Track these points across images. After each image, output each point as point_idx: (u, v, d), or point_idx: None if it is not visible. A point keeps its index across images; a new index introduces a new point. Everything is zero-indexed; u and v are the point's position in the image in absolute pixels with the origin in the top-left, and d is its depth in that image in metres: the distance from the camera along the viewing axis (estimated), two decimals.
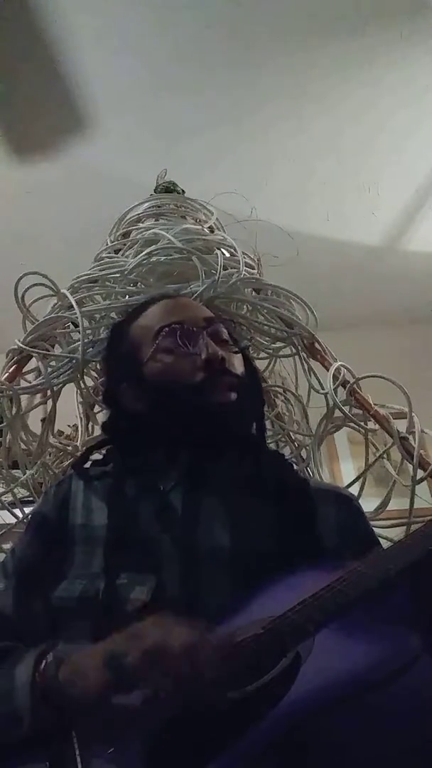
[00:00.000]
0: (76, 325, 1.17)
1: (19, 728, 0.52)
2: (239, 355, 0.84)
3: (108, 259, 1.33)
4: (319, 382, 1.22)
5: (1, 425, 1.18)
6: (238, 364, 0.82)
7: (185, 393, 0.76)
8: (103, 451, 0.89)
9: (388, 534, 1.09)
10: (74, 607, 0.66)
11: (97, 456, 0.89)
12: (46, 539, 0.76)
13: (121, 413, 0.85)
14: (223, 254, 1.25)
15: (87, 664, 0.52)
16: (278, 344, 1.28)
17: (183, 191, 1.60)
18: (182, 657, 0.48)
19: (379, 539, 1.07)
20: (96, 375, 1.38)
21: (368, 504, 1.13)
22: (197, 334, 0.80)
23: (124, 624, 0.54)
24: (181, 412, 0.76)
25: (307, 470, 1.27)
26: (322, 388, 1.20)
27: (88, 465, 0.86)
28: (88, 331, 1.17)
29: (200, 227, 1.39)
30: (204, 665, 0.48)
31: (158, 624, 0.52)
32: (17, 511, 1.18)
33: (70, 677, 0.52)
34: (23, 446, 1.22)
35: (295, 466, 1.28)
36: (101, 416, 1.47)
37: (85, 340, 1.13)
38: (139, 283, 1.24)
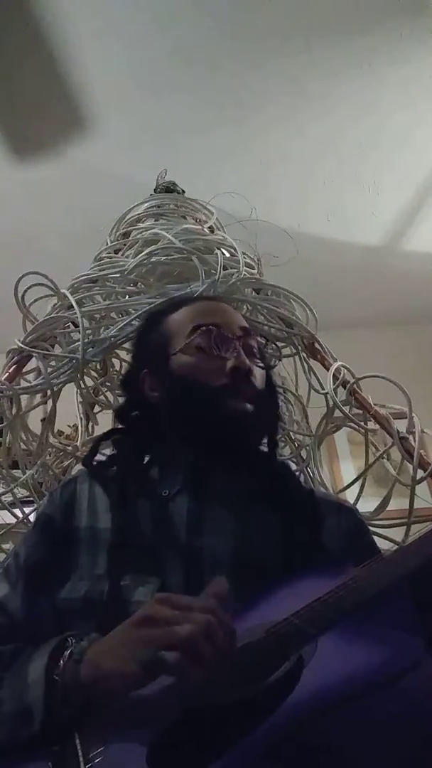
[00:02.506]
0: (76, 325, 1.17)
1: (30, 726, 0.52)
2: (262, 371, 0.85)
3: (108, 259, 1.33)
4: (319, 382, 1.22)
5: (1, 425, 1.18)
6: (260, 379, 0.82)
7: (206, 394, 0.77)
8: (107, 452, 0.89)
9: (388, 534, 1.09)
10: (79, 608, 0.66)
11: (100, 457, 0.89)
12: (51, 541, 0.76)
13: (137, 400, 0.87)
14: (223, 254, 1.25)
15: (111, 663, 0.52)
16: (278, 344, 1.28)
17: (183, 191, 1.60)
18: (212, 642, 0.49)
19: (379, 539, 1.08)
20: (96, 375, 1.38)
21: (368, 504, 1.14)
22: (231, 341, 0.81)
23: None
24: (198, 411, 0.77)
25: (307, 470, 1.27)
26: (322, 388, 1.20)
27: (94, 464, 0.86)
28: (88, 331, 1.17)
29: (200, 227, 1.39)
30: (229, 646, 0.50)
31: (166, 608, 0.52)
32: (17, 511, 1.18)
33: (93, 676, 0.52)
34: (23, 446, 1.22)
35: (294, 467, 1.29)
36: (101, 416, 1.47)
37: (85, 340, 1.13)
38: (139, 283, 1.24)
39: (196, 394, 0.78)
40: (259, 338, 0.91)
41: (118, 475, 0.80)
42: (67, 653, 0.55)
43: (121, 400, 0.96)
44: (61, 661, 0.55)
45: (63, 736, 0.50)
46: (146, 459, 0.83)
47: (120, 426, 0.91)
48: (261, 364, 0.84)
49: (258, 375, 0.82)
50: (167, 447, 0.82)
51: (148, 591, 0.65)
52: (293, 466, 1.30)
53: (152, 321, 0.92)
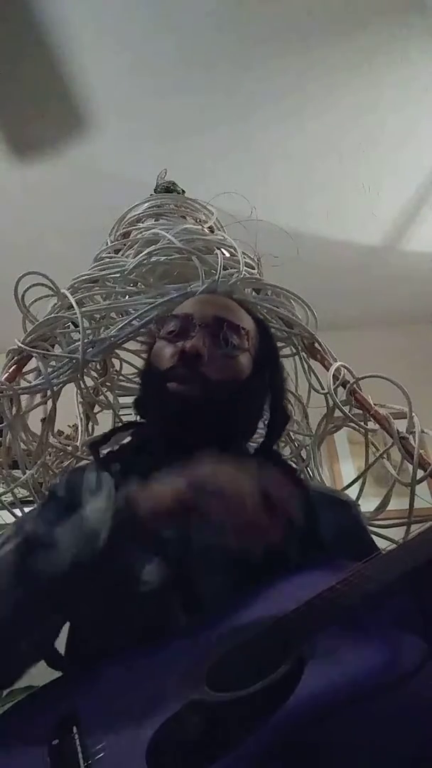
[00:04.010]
0: (76, 325, 1.17)
1: (95, 544, 0.58)
2: (238, 362, 0.81)
3: (108, 259, 1.33)
4: (319, 382, 1.22)
5: (1, 425, 1.18)
6: (227, 367, 0.80)
7: (154, 376, 0.81)
8: (115, 448, 0.90)
9: (388, 534, 1.09)
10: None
11: (114, 447, 0.89)
12: (63, 508, 0.77)
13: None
14: (223, 254, 1.25)
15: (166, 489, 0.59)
16: (278, 344, 1.28)
17: (183, 191, 1.60)
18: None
19: (379, 539, 1.08)
20: (96, 375, 1.38)
21: (368, 504, 1.13)
22: (193, 328, 0.81)
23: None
24: (149, 395, 0.83)
25: (307, 470, 1.27)
26: (322, 388, 1.20)
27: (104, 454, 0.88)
28: (88, 331, 1.17)
29: (200, 227, 1.39)
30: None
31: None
32: (17, 511, 1.18)
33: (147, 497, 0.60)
34: (23, 446, 1.22)
35: (295, 466, 1.28)
36: (101, 416, 1.47)
37: (85, 340, 1.13)
38: (139, 283, 1.24)
39: (149, 378, 0.84)
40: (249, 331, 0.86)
41: (123, 463, 0.82)
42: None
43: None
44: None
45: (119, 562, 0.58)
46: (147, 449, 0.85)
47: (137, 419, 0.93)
48: (230, 353, 0.81)
49: (224, 363, 0.79)
50: (159, 435, 0.83)
51: (153, 567, 0.67)
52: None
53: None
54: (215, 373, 0.78)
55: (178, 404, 0.76)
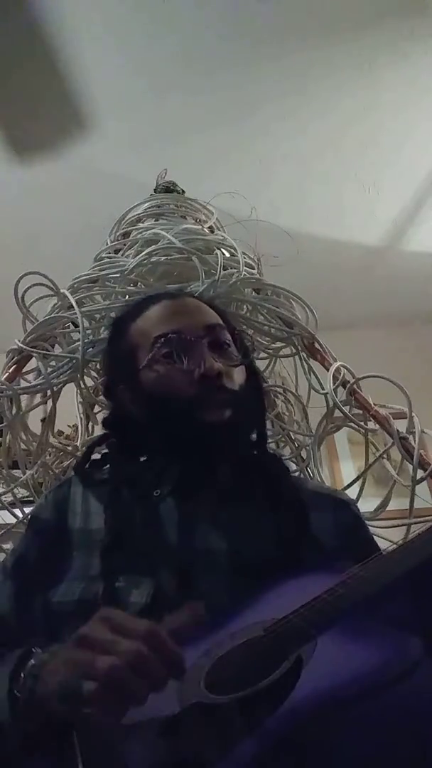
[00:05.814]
0: (76, 325, 1.17)
1: (4, 741, 0.51)
2: (240, 364, 0.81)
3: (108, 259, 1.33)
4: (319, 382, 1.22)
5: (1, 425, 1.18)
6: (237, 374, 0.79)
7: (178, 408, 0.75)
8: (103, 451, 0.89)
9: (388, 534, 1.09)
10: (73, 610, 0.65)
11: (95, 456, 0.89)
12: (42, 541, 0.76)
13: (120, 412, 0.86)
14: (223, 254, 1.25)
15: (50, 683, 0.50)
16: (278, 344, 1.28)
17: (183, 191, 1.60)
18: (137, 675, 0.45)
19: (379, 539, 1.08)
20: (96, 375, 1.38)
21: (368, 504, 1.13)
22: (194, 345, 0.78)
23: None
24: (173, 426, 0.75)
25: (307, 470, 1.27)
26: (322, 388, 1.20)
27: (87, 466, 0.86)
28: (88, 331, 1.17)
29: (200, 227, 1.39)
30: (157, 677, 0.46)
31: (103, 630, 0.49)
32: (17, 511, 1.18)
33: (42, 695, 0.50)
34: (23, 446, 1.22)
35: (294, 467, 1.29)
36: (101, 416, 1.47)
37: (85, 340, 1.13)
38: (139, 283, 1.24)
39: (168, 408, 0.76)
40: (230, 325, 0.86)
41: (111, 476, 0.80)
42: (29, 665, 0.53)
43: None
44: (22, 675, 0.53)
45: (45, 744, 0.49)
46: (140, 459, 0.84)
47: (109, 434, 0.90)
48: (235, 358, 0.80)
49: (234, 371, 0.79)
50: (155, 452, 0.82)
51: (142, 592, 0.65)
52: (293, 467, 1.30)
53: (118, 329, 0.89)
54: (235, 383, 0.77)
55: (219, 431, 0.73)
